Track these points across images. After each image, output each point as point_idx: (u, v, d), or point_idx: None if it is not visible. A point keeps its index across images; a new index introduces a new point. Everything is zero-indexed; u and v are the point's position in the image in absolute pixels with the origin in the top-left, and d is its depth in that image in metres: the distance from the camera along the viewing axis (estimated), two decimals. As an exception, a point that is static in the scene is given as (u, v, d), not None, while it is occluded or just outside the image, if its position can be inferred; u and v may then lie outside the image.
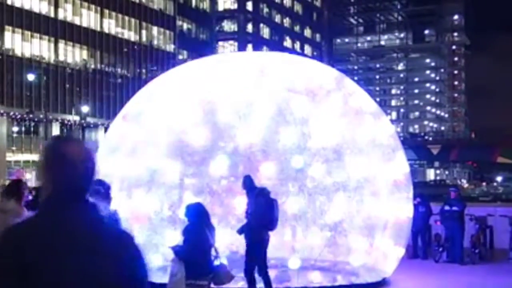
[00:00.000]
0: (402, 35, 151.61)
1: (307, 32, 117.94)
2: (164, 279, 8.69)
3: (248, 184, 10.83)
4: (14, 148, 59.67)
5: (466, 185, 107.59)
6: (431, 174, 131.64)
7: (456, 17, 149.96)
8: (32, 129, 61.33)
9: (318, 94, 11.26)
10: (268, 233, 10.68)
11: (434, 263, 15.25)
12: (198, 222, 7.86)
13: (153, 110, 11.36)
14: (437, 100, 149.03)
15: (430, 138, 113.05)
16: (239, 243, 12.02)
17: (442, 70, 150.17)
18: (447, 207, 15.42)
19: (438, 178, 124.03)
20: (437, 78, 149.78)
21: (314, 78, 11.52)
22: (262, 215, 10.18)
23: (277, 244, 11.64)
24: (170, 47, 77.16)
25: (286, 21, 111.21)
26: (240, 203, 11.61)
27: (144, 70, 71.79)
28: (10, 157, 58.49)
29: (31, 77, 56.83)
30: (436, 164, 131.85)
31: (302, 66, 11.74)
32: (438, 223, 15.97)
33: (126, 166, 11.21)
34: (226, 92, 10.94)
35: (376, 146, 11.40)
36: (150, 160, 11.01)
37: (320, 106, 11.18)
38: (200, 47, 77.44)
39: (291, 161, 10.86)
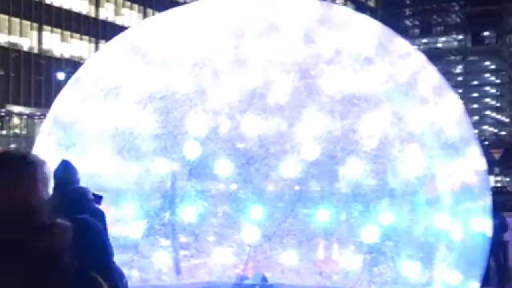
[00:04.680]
0: (460, 37, 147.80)
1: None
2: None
3: (65, 177, 5.76)
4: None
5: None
6: (491, 181, 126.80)
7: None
8: (72, 132, 60.01)
9: (354, 60, 7.92)
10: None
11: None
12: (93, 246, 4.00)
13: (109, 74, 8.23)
14: (498, 104, 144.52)
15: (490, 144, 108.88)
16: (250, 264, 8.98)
17: (503, 73, 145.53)
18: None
19: (499, 184, 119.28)
20: (498, 81, 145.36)
21: (349, 37, 8.15)
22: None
23: (299, 268, 8.53)
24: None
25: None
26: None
27: (188, 71, 70.19)
28: (48, 159, 57.30)
29: (68, 78, 55.46)
30: (496, 170, 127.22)
31: (331, 19, 8.33)
32: None
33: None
34: (213, 52, 7.71)
35: (437, 133, 7.97)
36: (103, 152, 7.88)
37: (357, 77, 7.84)
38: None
39: (310, 155, 7.49)
